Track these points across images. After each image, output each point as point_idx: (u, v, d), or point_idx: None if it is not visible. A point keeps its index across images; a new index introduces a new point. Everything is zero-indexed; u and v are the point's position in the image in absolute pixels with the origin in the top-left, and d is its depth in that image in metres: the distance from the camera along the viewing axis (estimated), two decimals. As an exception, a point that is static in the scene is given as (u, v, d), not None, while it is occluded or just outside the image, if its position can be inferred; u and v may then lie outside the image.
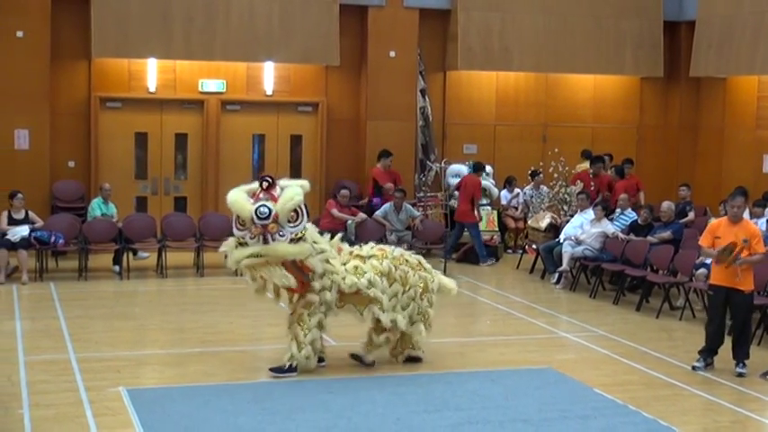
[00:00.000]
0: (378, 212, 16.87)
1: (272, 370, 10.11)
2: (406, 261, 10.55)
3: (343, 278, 10.08)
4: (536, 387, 10.02)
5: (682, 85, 20.84)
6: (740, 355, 10.68)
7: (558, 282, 15.72)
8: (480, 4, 19.36)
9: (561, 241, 15.89)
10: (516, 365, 10.95)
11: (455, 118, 20.19)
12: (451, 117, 20.18)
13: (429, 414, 8.99)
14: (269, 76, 18.97)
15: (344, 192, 16.76)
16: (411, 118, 19.28)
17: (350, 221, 16.54)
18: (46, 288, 14.66)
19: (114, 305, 13.93)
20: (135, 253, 16.36)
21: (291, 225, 9.78)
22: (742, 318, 10.69)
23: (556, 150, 19.44)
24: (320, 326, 10.11)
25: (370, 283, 10.16)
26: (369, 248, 10.60)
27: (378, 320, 10.32)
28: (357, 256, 10.38)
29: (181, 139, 18.89)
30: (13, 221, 15.35)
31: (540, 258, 16.69)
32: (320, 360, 10.47)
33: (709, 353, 10.83)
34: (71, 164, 18.18)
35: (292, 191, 9.88)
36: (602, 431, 8.66)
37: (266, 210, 9.63)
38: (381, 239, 16.34)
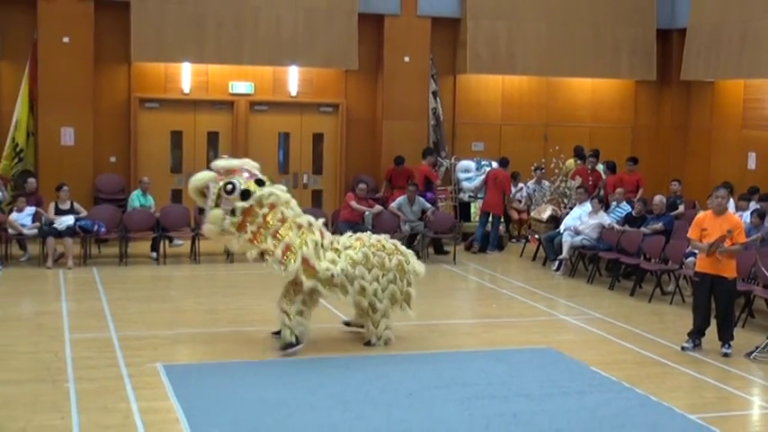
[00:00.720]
0: (393, 205, 16.86)
1: (281, 349, 10.11)
2: (383, 247, 10.55)
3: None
4: (537, 365, 10.04)
5: (673, 88, 20.76)
6: (725, 336, 10.68)
7: (558, 269, 15.70)
8: (488, 14, 19.32)
9: (561, 231, 15.88)
10: (519, 345, 10.97)
11: (464, 118, 20.16)
12: (461, 117, 20.15)
13: (439, 389, 9.02)
14: (293, 79, 18.98)
15: (362, 186, 16.77)
16: (423, 118, 19.26)
17: (367, 213, 16.55)
18: (89, 272, 14.72)
19: (152, 288, 13.97)
20: (171, 241, 16.42)
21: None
22: (726, 302, 10.68)
23: (557, 148, 19.48)
24: (304, 303, 10.12)
25: (343, 272, 10.14)
26: (346, 239, 10.60)
27: (359, 305, 10.44)
28: (335, 248, 10.35)
29: (213, 137, 18.90)
30: (59, 212, 15.44)
31: (541, 247, 16.68)
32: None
33: (696, 334, 10.83)
34: (112, 159, 18.23)
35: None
36: (598, 406, 8.67)
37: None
38: (396, 230, 16.41)
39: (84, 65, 17.48)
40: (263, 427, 7.85)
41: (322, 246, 10.23)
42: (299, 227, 10.13)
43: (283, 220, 10.06)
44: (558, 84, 20.68)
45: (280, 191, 10.25)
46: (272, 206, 10.05)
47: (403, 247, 10.89)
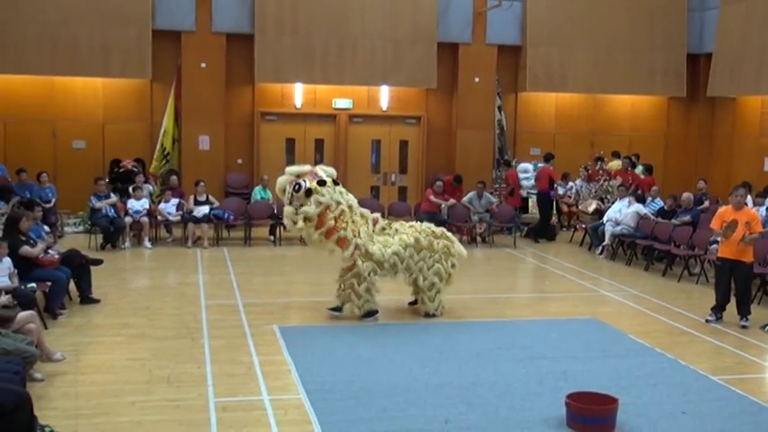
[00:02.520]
0: (464, 199, 16.76)
1: (361, 317, 10.04)
2: (432, 232, 10.31)
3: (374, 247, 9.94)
4: (583, 333, 9.88)
5: (700, 103, 20.25)
6: (743, 311, 10.38)
7: (601, 253, 15.44)
8: (544, 42, 19.07)
9: (604, 222, 15.62)
10: (568, 316, 10.80)
11: (524, 128, 19.96)
12: (521, 127, 19.95)
13: (501, 350, 8.95)
14: (384, 96, 19.00)
15: (439, 183, 16.68)
16: (490, 128, 19.12)
17: (443, 205, 16.50)
18: (220, 252, 14.94)
19: (270, 265, 14.11)
20: (285, 227, 16.55)
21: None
22: (744, 283, 10.38)
23: (602, 153, 19.13)
24: (369, 282, 9.98)
25: (394, 254, 9.97)
26: (400, 226, 10.29)
27: (414, 283, 10.21)
28: (387, 233, 10.14)
29: (319, 143, 19.04)
30: (197, 202, 15.71)
31: (587, 235, 16.42)
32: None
33: (718, 309, 10.54)
34: (239, 161, 18.50)
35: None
36: (635, 367, 8.49)
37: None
38: (466, 219, 16.32)
39: (217, 85, 17.78)
40: (358, 378, 7.88)
41: (373, 232, 10.06)
42: (354, 222, 9.92)
43: (342, 219, 9.85)
44: (603, 100, 20.33)
45: (337, 193, 9.92)
46: (327, 208, 9.80)
47: (449, 234, 10.63)
